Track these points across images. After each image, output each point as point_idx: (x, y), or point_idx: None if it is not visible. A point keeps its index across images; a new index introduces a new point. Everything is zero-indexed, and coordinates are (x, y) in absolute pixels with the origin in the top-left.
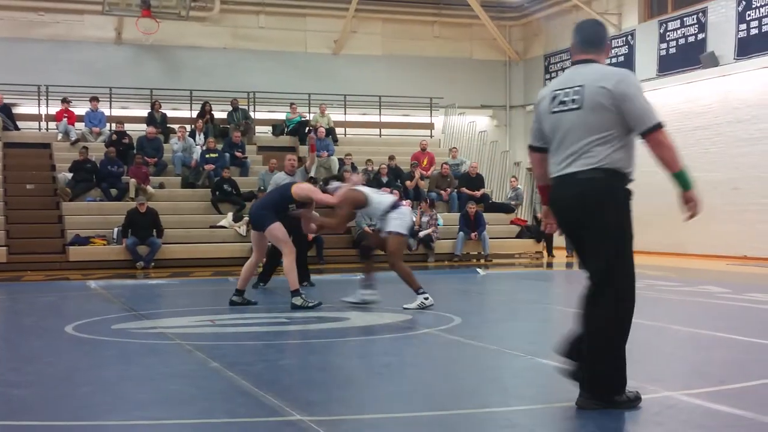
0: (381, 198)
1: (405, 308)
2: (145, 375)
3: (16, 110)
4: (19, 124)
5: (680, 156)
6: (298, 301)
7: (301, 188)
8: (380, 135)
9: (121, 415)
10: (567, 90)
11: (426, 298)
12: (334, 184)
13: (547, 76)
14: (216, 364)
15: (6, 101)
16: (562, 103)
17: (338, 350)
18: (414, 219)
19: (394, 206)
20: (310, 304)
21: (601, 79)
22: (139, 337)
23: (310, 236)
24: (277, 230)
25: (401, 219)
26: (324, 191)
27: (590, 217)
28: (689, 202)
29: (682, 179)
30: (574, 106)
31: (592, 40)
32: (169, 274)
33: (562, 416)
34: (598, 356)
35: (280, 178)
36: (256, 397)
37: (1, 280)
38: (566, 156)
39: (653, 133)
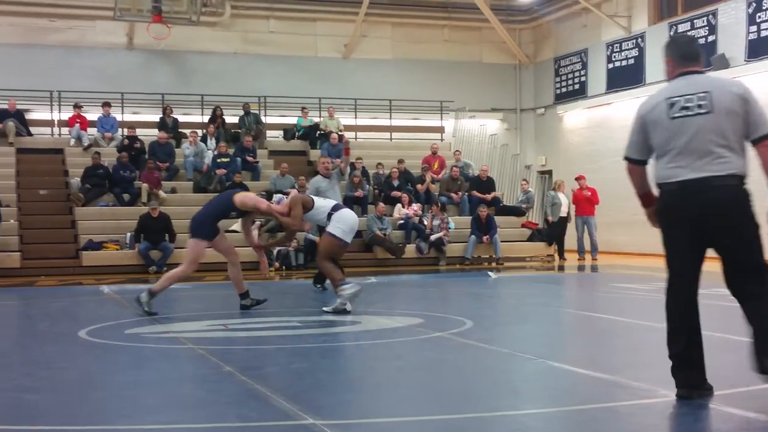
0: (324, 203)
1: (324, 310)
2: (158, 379)
3: (29, 116)
4: (32, 129)
5: None
6: (145, 297)
7: (247, 197)
8: (391, 139)
9: (135, 420)
10: (689, 96)
11: (344, 304)
12: (277, 196)
13: (558, 79)
14: (229, 368)
15: (19, 107)
16: (685, 108)
17: (350, 354)
18: (357, 220)
19: (336, 208)
20: (147, 309)
21: (729, 86)
22: (152, 341)
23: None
24: (195, 246)
25: (341, 222)
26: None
27: (736, 222)
28: None
29: None
30: (703, 111)
31: (694, 56)
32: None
33: (575, 419)
34: None
35: (317, 182)
36: (268, 401)
37: (15, 286)
38: (693, 160)
39: (766, 140)
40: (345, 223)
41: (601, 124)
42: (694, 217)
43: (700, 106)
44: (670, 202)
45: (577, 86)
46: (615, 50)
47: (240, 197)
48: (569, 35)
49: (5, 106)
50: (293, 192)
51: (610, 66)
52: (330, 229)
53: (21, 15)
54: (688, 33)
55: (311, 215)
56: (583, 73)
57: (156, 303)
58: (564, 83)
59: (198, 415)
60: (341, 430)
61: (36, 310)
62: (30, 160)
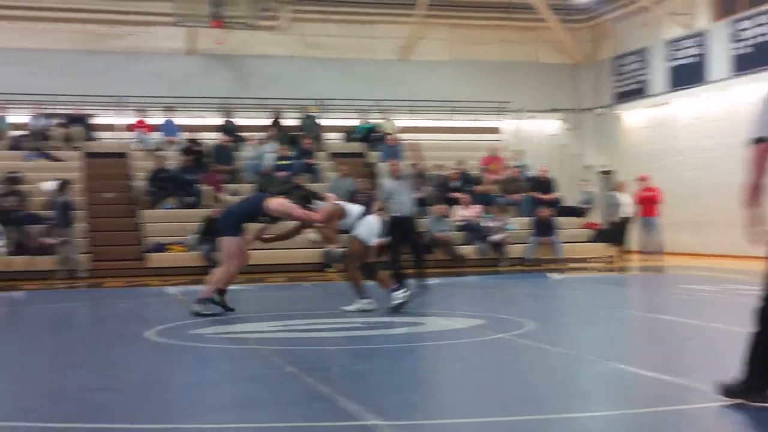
0: (352, 207)
1: (344, 310)
2: (222, 379)
3: (95, 121)
4: (97, 134)
5: None
6: (198, 308)
7: (279, 203)
8: (449, 140)
9: (199, 419)
10: None
11: (369, 303)
12: (318, 203)
13: (617, 79)
14: (291, 368)
15: (85, 112)
16: None
17: (413, 355)
18: (379, 225)
19: (362, 215)
20: (208, 312)
21: None
22: (216, 342)
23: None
24: (231, 244)
25: (367, 227)
26: (306, 209)
27: None
28: None
29: None
30: None
31: None
32: (245, 279)
33: (640, 422)
34: None
35: (388, 184)
36: (331, 401)
37: (84, 287)
38: None
39: None
40: (368, 226)
41: (662, 123)
42: None
43: None
44: None
45: (636, 85)
46: (675, 48)
47: (274, 203)
48: (628, 34)
49: (71, 112)
50: (331, 196)
51: (671, 65)
52: (357, 232)
53: (83, 22)
54: (751, 30)
55: (344, 223)
56: (642, 72)
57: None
58: (623, 83)
59: (261, 415)
60: (407, 431)
61: (104, 311)
62: (96, 164)
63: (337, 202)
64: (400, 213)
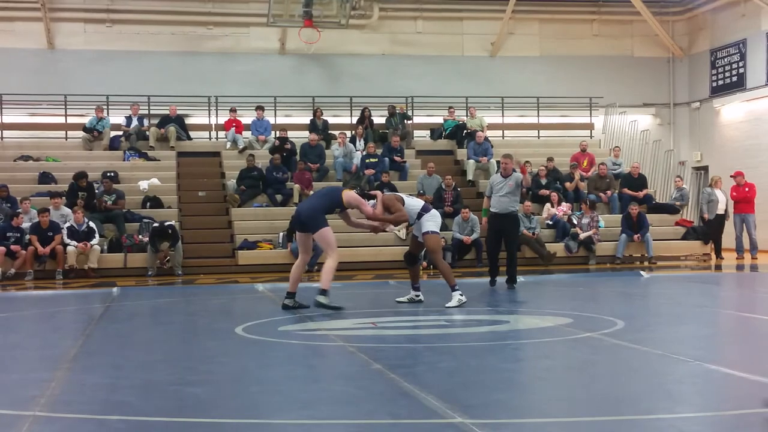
0: (413, 201)
1: (447, 307)
2: (310, 376)
3: (189, 121)
4: (192, 134)
5: None
6: (323, 299)
7: (352, 197)
8: (538, 137)
9: (288, 415)
10: None
11: (461, 295)
12: (371, 202)
13: (714, 72)
14: (378, 365)
15: (179, 112)
16: None
17: (498, 353)
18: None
19: (425, 209)
20: (333, 305)
21: None
22: (304, 338)
23: (468, 239)
24: (328, 234)
25: (433, 220)
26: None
27: None
28: None
29: None
30: None
31: None
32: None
33: (732, 424)
34: None
35: (495, 180)
36: (417, 399)
37: (178, 284)
38: None
39: None
40: (435, 219)
41: (762, 117)
42: None
43: None
44: None
45: (735, 78)
46: None
47: (347, 196)
48: (726, 25)
49: (167, 112)
50: (379, 193)
51: None
52: (428, 227)
53: (181, 24)
54: None
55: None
56: (741, 64)
57: (306, 302)
58: (720, 76)
59: (349, 411)
60: (491, 430)
61: (196, 307)
62: (189, 163)
63: (391, 194)
64: (498, 209)
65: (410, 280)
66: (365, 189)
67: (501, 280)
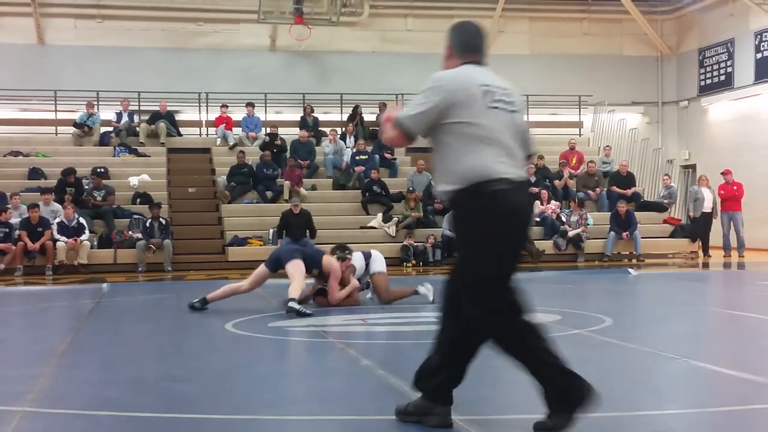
0: (357, 256)
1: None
2: (300, 372)
3: (179, 117)
4: (182, 130)
5: None
6: (293, 304)
7: (332, 266)
8: None
9: (278, 410)
10: (498, 89)
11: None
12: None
13: (702, 71)
14: (367, 362)
15: (169, 108)
16: (503, 101)
17: (487, 350)
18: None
19: (367, 257)
20: (301, 314)
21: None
22: (294, 334)
23: None
24: (300, 266)
25: (378, 260)
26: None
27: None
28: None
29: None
30: (514, 108)
31: (479, 45)
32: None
33: (720, 422)
34: None
35: None
36: (406, 395)
37: (167, 280)
38: (518, 159)
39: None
40: (379, 259)
41: (749, 116)
42: (520, 225)
43: (511, 103)
44: (506, 206)
45: (723, 77)
46: (764, 39)
47: (327, 261)
48: (714, 25)
49: (157, 108)
50: (335, 270)
51: (759, 56)
52: (374, 269)
53: (171, 20)
54: None
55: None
56: (729, 63)
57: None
58: (709, 75)
59: (338, 407)
60: (479, 426)
61: (186, 303)
62: (180, 159)
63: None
64: None
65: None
66: (346, 253)
67: None
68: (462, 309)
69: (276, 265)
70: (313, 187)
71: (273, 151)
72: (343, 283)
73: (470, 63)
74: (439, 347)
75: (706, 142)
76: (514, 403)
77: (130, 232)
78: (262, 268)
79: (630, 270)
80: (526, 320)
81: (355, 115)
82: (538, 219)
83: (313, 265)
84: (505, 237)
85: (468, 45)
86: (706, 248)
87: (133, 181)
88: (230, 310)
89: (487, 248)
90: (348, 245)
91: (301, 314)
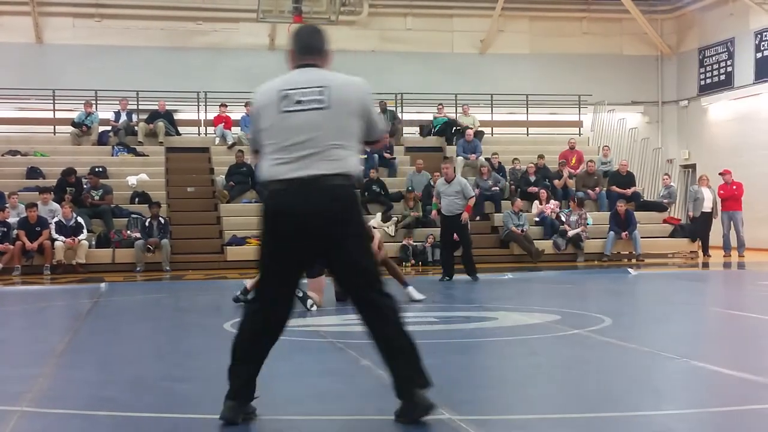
0: None
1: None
2: (299, 371)
3: (178, 116)
4: (180, 129)
5: None
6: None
7: None
8: (527, 134)
9: (276, 411)
10: (297, 91)
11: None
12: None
13: (702, 70)
14: (366, 362)
15: (168, 108)
16: (300, 102)
17: (486, 350)
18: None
19: None
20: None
21: (351, 83)
22: (293, 334)
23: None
24: (322, 283)
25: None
26: None
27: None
28: None
29: None
30: (318, 106)
31: (314, 49)
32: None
33: (719, 422)
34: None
35: (440, 185)
36: None
37: (166, 279)
38: (308, 158)
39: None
40: None
41: (749, 115)
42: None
43: (316, 100)
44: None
45: (723, 77)
46: (764, 39)
47: None
48: (714, 24)
49: (156, 107)
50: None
51: (759, 55)
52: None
53: (170, 19)
54: None
55: None
56: (729, 63)
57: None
58: (709, 74)
59: (337, 407)
60: (479, 426)
61: (185, 302)
62: (178, 158)
63: None
64: (447, 212)
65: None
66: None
67: (461, 278)
68: None
69: None
70: None
71: None
72: None
73: (302, 65)
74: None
75: (706, 141)
76: (514, 403)
77: (128, 232)
78: None
79: (629, 270)
80: (266, 330)
81: None
82: (537, 219)
83: None
84: (275, 236)
85: (301, 48)
86: (705, 248)
87: (132, 180)
88: (229, 309)
89: (264, 246)
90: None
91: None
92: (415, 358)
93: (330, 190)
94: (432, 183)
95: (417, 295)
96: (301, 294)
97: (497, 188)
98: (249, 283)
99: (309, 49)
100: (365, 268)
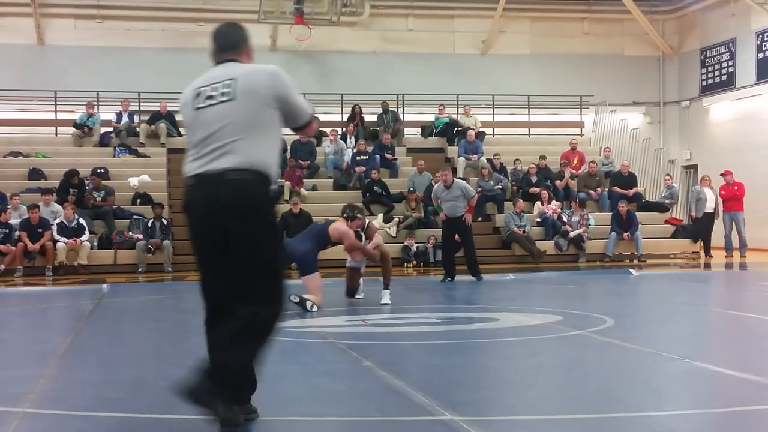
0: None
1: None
2: (301, 372)
3: (179, 117)
4: (182, 130)
5: None
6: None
7: (339, 230)
8: (529, 135)
9: (279, 411)
10: (208, 87)
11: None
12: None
13: (704, 71)
14: (368, 363)
15: (170, 109)
16: (211, 97)
17: (488, 351)
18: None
19: None
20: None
21: (260, 72)
22: (295, 335)
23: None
24: (317, 280)
25: None
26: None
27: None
28: None
29: None
30: (227, 98)
31: (230, 45)
32: (323, 274)
33: (721, 422)
34: None
35: (439, 190)
36: (407, 396)
37: (168, 280)
38: (222, 151)
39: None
40: None
41: (751, 116)
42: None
43: (223, 93)
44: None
45: (724, 77)
46: (766, 39)
47: (333, 230)
48: (716, 25)
49: (157, 109)
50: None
51: (761, 56)
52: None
53: (171, 20)
54: None
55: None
56: (731, 63)
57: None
58: (710, 75)
59: (339, 408)
60: (480, 427)
61: (187, 303)
62: (180, 159)
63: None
64: (450, 214)
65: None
66: (354, 212)
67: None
68: None
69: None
70: (314, 188)
71: None
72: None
73: (219, 63)
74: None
75: (708, 142)
76: (516, 404)
77: (130, 233)
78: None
79: (631, 270)
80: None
81: (354, 115)
82: (539, 219)
83: (326, 243)
84: (192, 228)
85: (218, 46)
86: (707, 249)
87: (134, 181)
88: None
89: (190, 239)
90: (357, 205)
91: (303, 306)
92: (237, 380)
93: (231, 185)
94: (434, 184)
95: (386, 299)
96: (297, 299)
97: (500, 187)
98: (311, 297)
99: (225, 45)
100: (249, 273)
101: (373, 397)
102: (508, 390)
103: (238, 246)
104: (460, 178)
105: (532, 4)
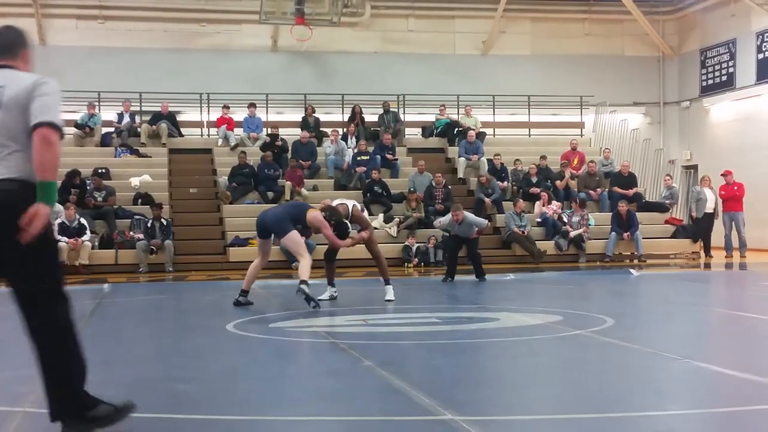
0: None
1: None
2: (302, 372)
3: (180, 117)
4: (183, 130)
5: None
6: (305, 287)
7: (316, 218)
8: (529, 135)
9: (281, 411)
10: None
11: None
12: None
13: (704, 71)
14: (369, 362)
15: (171, 109)
16: None
17: (489, 351)
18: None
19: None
20: (313, 297)
21: (25, 79)
22: (295, 335)
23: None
24: (296, 236)
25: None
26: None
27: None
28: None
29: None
30: None
31: (4, 48)
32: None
33: (721, 422)
34: None
35: (447, 222)
36: (408, 396)
37: (169, 280)
38: None
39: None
40: None
41: (751, 116)
42: None
43: None
44: None
45: (724, 78)
46: (766, 40)
47: (311, 216)
48: (716, 25)
49: (159, 109)
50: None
51: (761, 56)
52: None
53: (174, 21)
54: None
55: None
56: (731, 64)
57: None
58: (710, 75)
59: (340, 408)
60: (481, 427)
61: (187, 303)
62: (181, 159)
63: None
64: (459, 234)
65: (327, 278)
66: (332, 217)
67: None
68: None
69: (265, 233)
70: (315, 188)
71: (274, 151)
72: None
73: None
74: None
75: (708, 142)
76: (516, 404)
77: (131, 233)
78: (258, 241)
79: (632, 270)
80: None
81: (355, 115)
82: (539, 220)
83: (299, 221)
84: None
85: None
86: (707, 249)
87: (135, 181)
88: (231, 310)
89: None
90: (339, 211)
91: (309, 300)
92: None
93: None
94: (434, 184)
95: (390, 296)
96: (304, 296)
97: (497, 195)
98: (244, 283)
99: (2, 50)
100: (27, 284)
101: (373, 397)
102: (508, 390)
103: (15, 257)
104: (460, 179)
105: (532, 5)
